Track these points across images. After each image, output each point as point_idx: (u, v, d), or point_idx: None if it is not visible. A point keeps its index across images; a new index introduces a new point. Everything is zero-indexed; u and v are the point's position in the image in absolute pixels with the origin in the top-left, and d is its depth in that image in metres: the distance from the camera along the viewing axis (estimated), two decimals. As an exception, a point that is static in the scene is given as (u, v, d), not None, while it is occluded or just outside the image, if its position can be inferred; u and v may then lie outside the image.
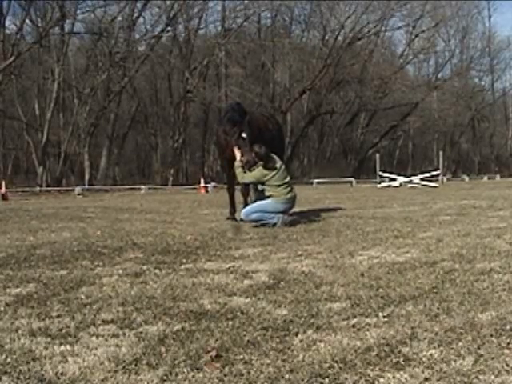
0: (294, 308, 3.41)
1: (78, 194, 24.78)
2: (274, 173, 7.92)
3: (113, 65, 32.64)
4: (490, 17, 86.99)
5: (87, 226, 8.59)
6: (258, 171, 7.93)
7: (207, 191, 25.95)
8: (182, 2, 33.91)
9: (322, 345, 2.76)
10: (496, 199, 12.52)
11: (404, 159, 53.71)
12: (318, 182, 33.48)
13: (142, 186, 28.07)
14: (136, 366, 2.58)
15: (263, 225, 7.71)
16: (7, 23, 32.85)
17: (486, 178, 43.83)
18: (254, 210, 7.93)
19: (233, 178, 9.16)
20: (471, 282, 3.91)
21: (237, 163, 8.07)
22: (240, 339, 2.86)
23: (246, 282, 4.19)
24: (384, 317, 3.17)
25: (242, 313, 3.34)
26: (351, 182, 35.32)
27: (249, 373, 2.46)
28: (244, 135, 8.02)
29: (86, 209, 12.85)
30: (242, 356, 2.64)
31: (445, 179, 32.20)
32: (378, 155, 30.36)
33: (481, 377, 2.35)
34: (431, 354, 2.59)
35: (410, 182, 27.97)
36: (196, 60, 37.75)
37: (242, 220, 8.62)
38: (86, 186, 29.88)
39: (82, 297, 3.83)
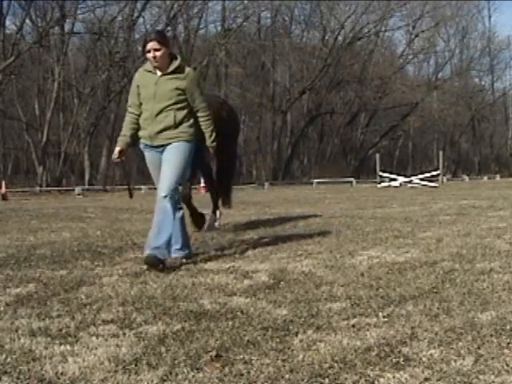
0: (294, 308, 3.40)
1: (78, 194, 24.77)
2: None
3: (113, 65, 32.63)
4: (490, 17, 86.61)
5: (87, 226, 8.58)
6: None
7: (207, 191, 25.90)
8: (182, 2, 33.91)
9: (322, 345, 2.76)
10: (496, 199, 12.52)
11: (404, 159, 53.68)
12: (318, 182, 33.47)
13: (142, 186, 28.03)
14: (136, 365, 2.57)
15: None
16: (7, 23, 32.76)
17: (485, 178, 43.81)
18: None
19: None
20: (471, 282, 3.91)
21: None
22: (240, 339, 2.85)
23: (246, 282, 4.18)
24: (384, 317, 3.16)
25: (242, 313, 3.33)
26: (351, 181, 35.31)
27: (249, 373, 2.46)
28: None
29: (86, 209, 12.85)
30: (242, 356, 2.64)
31: (445, 179, 32.20)
32: (377, 155, 30.35)
33: (481, 377, 2.35)
34: (431, 354, 2.59)
35: (410, 182, 27.98)
36: (196, 60, 37.74)
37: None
38: (86, 186, 29.87)
39: (82, 297, 3.82)
